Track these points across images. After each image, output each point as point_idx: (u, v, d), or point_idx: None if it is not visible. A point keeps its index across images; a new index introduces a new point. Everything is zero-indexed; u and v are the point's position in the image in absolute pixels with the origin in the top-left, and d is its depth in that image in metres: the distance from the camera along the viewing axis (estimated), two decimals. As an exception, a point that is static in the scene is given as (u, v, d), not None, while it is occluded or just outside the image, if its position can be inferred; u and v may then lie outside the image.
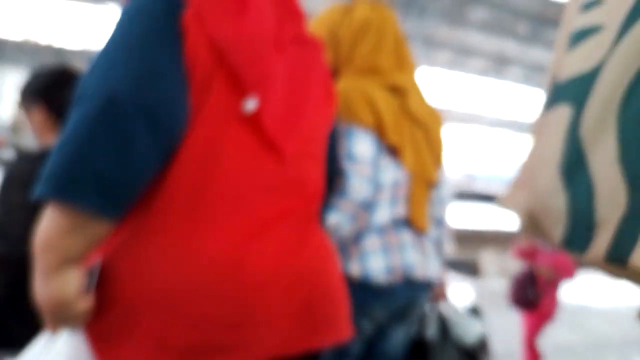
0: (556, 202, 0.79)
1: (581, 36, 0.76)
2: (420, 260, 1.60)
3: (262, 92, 0.94)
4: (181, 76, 0.88)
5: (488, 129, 23.47)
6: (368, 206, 1.52)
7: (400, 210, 1.59)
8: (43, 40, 12.39)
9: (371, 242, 1.54)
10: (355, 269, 1.51)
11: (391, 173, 1.59)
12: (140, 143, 0.83)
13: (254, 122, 0.95)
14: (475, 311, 1.84)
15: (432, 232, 1.68)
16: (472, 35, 15.60)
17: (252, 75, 0.93)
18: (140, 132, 0.83)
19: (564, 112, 0.77)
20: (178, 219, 0.90)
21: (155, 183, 0.90)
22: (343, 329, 1.03)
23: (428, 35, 15.24)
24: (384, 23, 1.65)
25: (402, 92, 1.63)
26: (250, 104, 0.93)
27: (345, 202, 1.47)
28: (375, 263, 1.53)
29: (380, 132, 1.56)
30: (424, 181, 1.66)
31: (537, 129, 0.91)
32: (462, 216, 12.46)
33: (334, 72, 1.63)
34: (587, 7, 0.78)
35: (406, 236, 1.59)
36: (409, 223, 1.61)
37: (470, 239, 9.06)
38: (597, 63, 0.73)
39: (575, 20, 0.78)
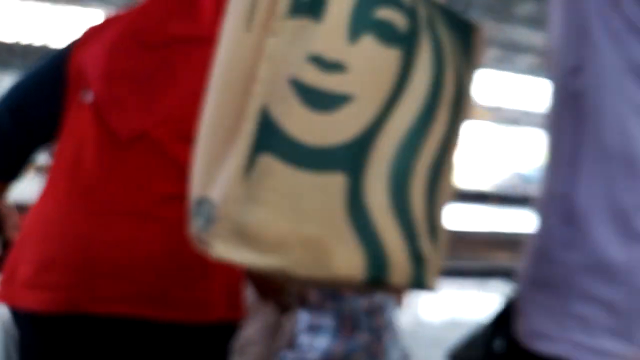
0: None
1: (333, 102, 0.78)
2: None
3: (100, 86, 1.23)
4: (54, 85, 1.27)
5: (539, 129, 22.96)
6: None
7: None
8: (35, 42, 12.65)
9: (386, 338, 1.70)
10: None
11: None
12: (4, 130, 1.28)
13: (94, 110, 1.23)
14: None
15: None
16: (519, 32, 15.20)
17: (91, 74, 1.24)
18: (6, 125, 1.29)
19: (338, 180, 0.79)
20: (49, 184, 1.27)
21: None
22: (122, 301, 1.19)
23: (473, 33, 14.96)
24: None
25: None
26: (88, 96, 1.23)
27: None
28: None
29: None
30: None
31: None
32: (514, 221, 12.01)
33: None
34: (326, 67, 0.79)
35: None
36: None
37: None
38: (362, 132, 0.79)
39: (312, 76, 0.78)
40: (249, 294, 1.67)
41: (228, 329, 1.32)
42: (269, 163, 0.74)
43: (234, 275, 1.29)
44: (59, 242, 1.20)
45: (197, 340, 1.26)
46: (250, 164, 0.74)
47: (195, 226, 0.76)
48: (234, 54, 0.82)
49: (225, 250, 0.72)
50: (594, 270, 0.77)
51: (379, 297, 1.70)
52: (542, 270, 0.83)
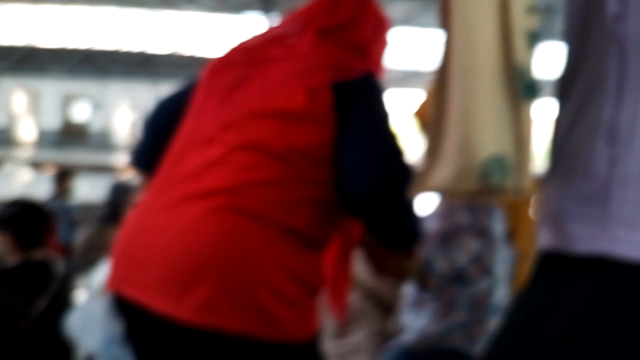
0: None
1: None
2: None
3: (198, 98, 1.43)
4: (183, 101, 1.46)
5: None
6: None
7: (508, 289, 1.72)
8: (190, 52, 13.34)
9: (493, 323, 1.63)
10: (479, 349, 1.61)
11: (505, 252, 1.73)
12: (143, 135, 1.55)
13: (195, 118, 1.42)
14: None
15: None
16: None
17: (197, 90, 1.45)
18: (143, 132, 1.55)
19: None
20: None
21: None
22: (151, 296, 1.24)
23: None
24: None
25: None
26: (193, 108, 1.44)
27: (488, 278, 1.62)
28: None
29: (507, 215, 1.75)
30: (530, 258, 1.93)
31: None
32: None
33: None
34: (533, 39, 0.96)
35: None
36: None
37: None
38: None
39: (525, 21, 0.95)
40: (353, 299, 1.68)
41: (254, 345, 1.20)
42: (524, 109, 0.93)
43: (261, 288, 1.21)
44: (124, 228, 1.38)
45: (205, 348, 1.23)
46: (516, 115, 0.92)
47: (489, 181, 0.88)
48: (484, 33, 0.93)
49: (519, 191, 0.90)
50: (634, 180, 0.88)
51: (488, 281, 1.62)
52: (585, 186, 0.93)
